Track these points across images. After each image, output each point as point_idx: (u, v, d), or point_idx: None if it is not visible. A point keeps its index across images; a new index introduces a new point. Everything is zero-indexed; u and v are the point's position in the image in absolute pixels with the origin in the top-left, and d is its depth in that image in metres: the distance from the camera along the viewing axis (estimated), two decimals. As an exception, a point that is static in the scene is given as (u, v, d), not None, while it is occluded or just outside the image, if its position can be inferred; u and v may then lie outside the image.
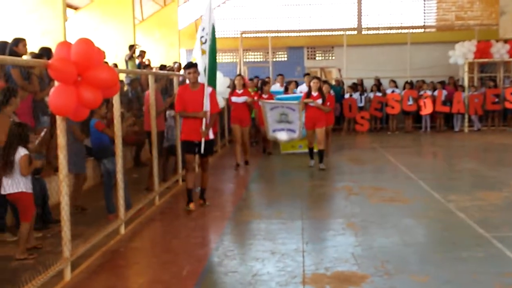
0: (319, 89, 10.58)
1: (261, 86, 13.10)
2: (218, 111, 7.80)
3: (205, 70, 7.94)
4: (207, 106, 7.43)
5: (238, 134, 11.15)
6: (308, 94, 10.61)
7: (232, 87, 11.37)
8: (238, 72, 18.64)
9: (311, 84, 10.67)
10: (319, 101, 10.50)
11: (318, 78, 11.05)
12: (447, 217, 6.92)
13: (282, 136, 11.73)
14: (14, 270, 5.20)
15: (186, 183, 7.74)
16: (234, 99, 11.20)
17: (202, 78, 7.72)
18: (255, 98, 12.02)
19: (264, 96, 12.63)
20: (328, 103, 10.74)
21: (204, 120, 7.42)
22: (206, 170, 7.80)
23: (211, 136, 7.69)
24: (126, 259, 5.60)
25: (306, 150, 11.70)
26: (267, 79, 15.13)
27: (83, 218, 6.96)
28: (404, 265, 5.13)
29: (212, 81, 8.13)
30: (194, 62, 7.94)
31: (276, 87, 14.92)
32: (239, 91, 11.19)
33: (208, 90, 7.50)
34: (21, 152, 5.52)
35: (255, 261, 5.38)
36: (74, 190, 7.39)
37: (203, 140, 7.43)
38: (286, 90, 14.11)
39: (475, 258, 5.32)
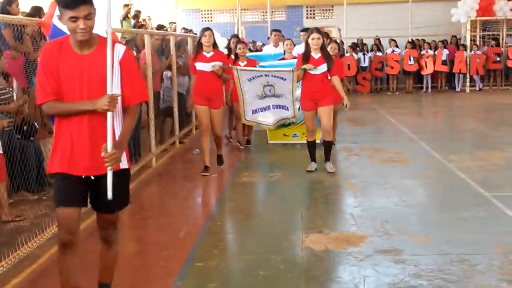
0: (322, 49, 6.92)
1: (234, 47, 9.05)
2: (145, 100, 3.49)
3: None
4: (115, 86, 3.13)
5: (205, 120, 7.17)
6: (306, 57, 6.93)
7: (197, 47, 7.34)
8: (235, 33, 18.34)
9: (310, 40, 6.86)
10: (323, 67, 6.84)
11: (320, 32, 7.02)
12: (447, 178, 6.86)
13: (267, 117, 7.91)
14: (10, 232, 5.15)
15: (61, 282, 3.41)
16: (200, 65, 7.15)
17: (100, 24, 3.25)
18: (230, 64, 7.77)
19: (241, 63, 8.43)
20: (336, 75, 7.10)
21: (110, 120, 3.09)
22: (113, 242, 3.47)
23: (125, 163, 3.27)
24: (123, 221, 5.53)
25: (304, 141, 7.71)
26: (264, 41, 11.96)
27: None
28: (404, 225, 5.09)
29: None
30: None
31: (270, 48, 10.52)
32: (208, 54, 7.16)
33: (119, 49, 3.17)
34: None
35: (254, 223, 5.34)
36: None
37: (109, 174, 3.08)
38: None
39: (476, 218, 5.28)
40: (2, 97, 5.90)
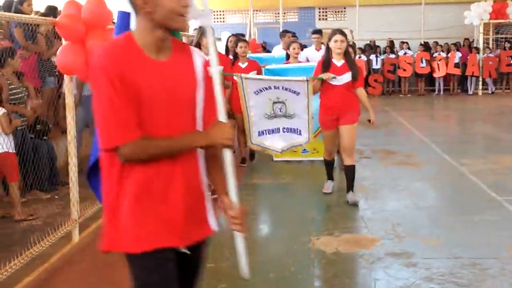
0: (346, 54, 5.76)
1: (233, 46, 7.72)
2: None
3: None
4: (200, 107, 2.19)
5: None
6: (326, 64, 5.75)
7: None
8: (248, 34, 18.31)
9: (331, 44, 5.68)
10: (346, 77, 5.68)
11: (344, 34, 5.78)
12: (459, 181, 6.82)
13: (275, 142, 6.48)
14: (23, 231, 5.20)
15: None
16: None
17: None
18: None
19: (241, 64, 7.34)
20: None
21: (230, 159, 2.21)
22: None
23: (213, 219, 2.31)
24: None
25: (315, 157, 7.76)
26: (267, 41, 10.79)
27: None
28: (415, 228, 5.06)
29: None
30: None
31: (278, 50, 9.61)
32: (207, 57, 4.69)
33: (198, 57, 2.23)
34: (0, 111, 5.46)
35: (265, 225, 5.35)
36: None
37: (242, 241, 2.29)
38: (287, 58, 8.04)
39: (487, 222, 5.24)
40: (16, 96, 5.95)
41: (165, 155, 2.02)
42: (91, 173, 2.78)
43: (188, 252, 2.11)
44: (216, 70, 2.21)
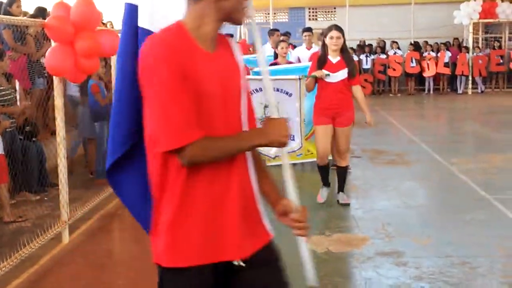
0: (343, 51, 5.60)
1: None
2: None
3: None
4: (244, 104, 1.96)
5: None
6: (322, 61, 5.57)
7: None
8: (238, 34, 18.29)
9: (328, 40, 5.50)
10: (342, 74, 5.51)
11: (341, 30, 5.60)
12: (449, 180, 6.86)
13: (268, 147, 4.80)
14: (12, 233, 5.17)
15: None
16: None
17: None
18: None
19: None
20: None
21: (287, 158, 2.15)
22: None
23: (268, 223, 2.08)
24: (124, 222, 5.56)
25: (309, 159, 7.25)
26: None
27: (81, 181, 6.90)
28: (405, 228, 5.08)
29: None
30: None
31: (267, 49, 8.82)
32: None
33: (237, 48, 2.01)
34: None
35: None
36: (92, 155, 7.23)
37: (306, 249, 2.20)
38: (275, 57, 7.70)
39: (477, 221, 5.27)
40: (5, 98, 5.92)
41: (226, 156, 1.82)
42: (111, 173, 2.42)
43: (243, 264, 1.88)
44: (265, 65, 2.12)
